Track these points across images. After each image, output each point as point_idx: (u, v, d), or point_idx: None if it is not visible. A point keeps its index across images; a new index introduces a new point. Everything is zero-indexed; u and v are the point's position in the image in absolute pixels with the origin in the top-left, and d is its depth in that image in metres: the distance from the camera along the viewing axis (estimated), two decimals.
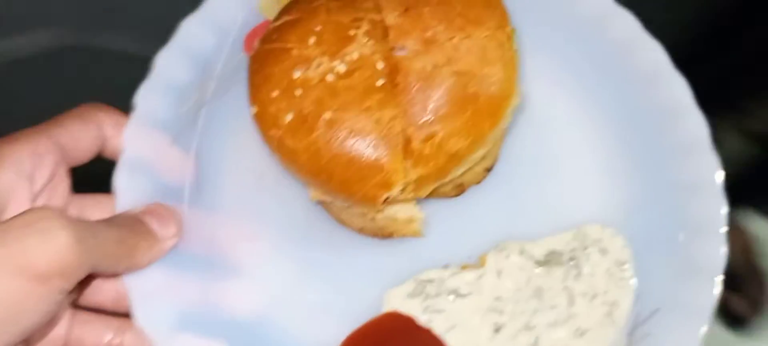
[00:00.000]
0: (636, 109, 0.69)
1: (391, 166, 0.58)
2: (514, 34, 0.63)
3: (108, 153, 0.67)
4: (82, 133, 0.64)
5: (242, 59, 0.72)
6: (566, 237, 0.67)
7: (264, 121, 0.60)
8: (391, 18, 0.61)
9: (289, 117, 0.59)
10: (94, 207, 0.65)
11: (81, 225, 0.54)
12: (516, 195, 0.70)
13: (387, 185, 0.59)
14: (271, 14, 0.73)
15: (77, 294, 0.64)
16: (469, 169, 0.65)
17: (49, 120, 0.63)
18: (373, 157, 0.58)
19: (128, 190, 0.65)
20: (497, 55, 0.61)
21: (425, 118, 0.59)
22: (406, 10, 0.61)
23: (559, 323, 0.64)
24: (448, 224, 0.69)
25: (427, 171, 0.60)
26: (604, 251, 0.66)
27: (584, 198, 0.69)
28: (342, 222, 0.68)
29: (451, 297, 0.66)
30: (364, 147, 0.58)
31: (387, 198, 0.60)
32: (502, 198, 0.70)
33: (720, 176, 0.65)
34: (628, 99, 0.70)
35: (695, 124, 0.68)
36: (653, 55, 0.70)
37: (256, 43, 0.64)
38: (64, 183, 0.64)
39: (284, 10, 0.64)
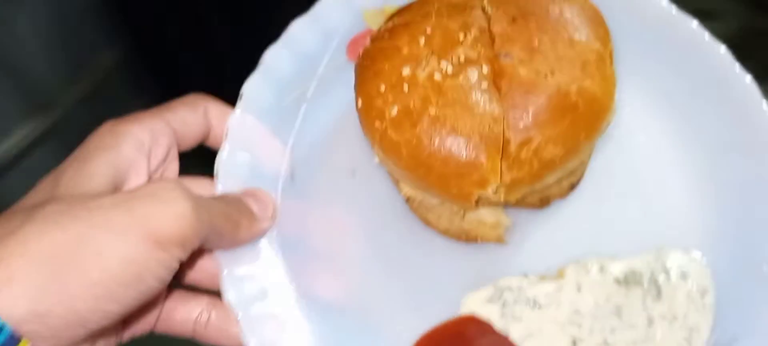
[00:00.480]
0: (726, 138, 0.70)
1: (488, 165, 0.60)
2: (613, 52, 0.65)
3: (211, 141, 0.70)
4: (191, 119, 0.67)
5: (344, 63, 0.76)
6: (647, 258, 0.68)
7: (369, 114, 0.63)
8: (498, 26, 0.64)
9: (394, 111, 0.62)
10: (197, 189, 0.69)
11: (198, 199, 0.57)
12: (598, 213, 0.71)
13: (482, 184, 0.61)
14: (375, 24, 0.77)
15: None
16: (557, 182, 0.67)
17: (162, 105, 0.67)
18: (473, 156, 0.60)
19: (229, 173, 0.68)
20: (598, 69, 0.63)
21: (524, 123, 0.61)
22: (514, 19, 0.64)
23: (637, 343, 0.64)
24: (531, 234, 0.70)
25: (521, 175, 0.62)
26: (684, 276, 0.67)
27: (667, 220, 0.70)
28: (428, 222, 0.70)
29: (530, 306, 0.67)
30: (465, 145, 0.60)
31: (480, 197, 0.62)
32: (585, 214, 0.71)
33: None
34: (720, 127, 0.71)
35: None
36: (747, 87, 0.71)
37: (367, 42, 0.68)
38: (174, 163, 0.68)
39: (396, 14, 0.68)
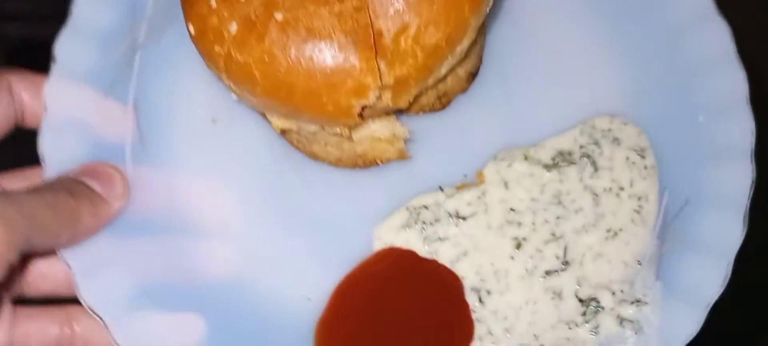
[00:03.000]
0: None
1: (362, 66, 0.49)
2: None
3: (28, 122, 0.57)
4: None
5: None
6: (573, 134, 0.59)
7: (205, 39, 0.51)
8: None
9: (233, 27, 0.49)
10: (14, 183, 0.55)
11: (6, 198, 0.45)
12: (507, 100, 0.61)
13: (361, 91, 0.49)
14: None
15: (15, 287, 0.54)
16: (451, 72, 0.56)
17: None
18: (341, 59, 0.49)
19: (57, 154, 0.56)
20: None
21: (395, 7, 0.49)
22: None
23: (588, 226, 0.55)
24: (436, 141, 0.60)
25: (405, 71, 0.51)
26: (617, 141, 0.58)
27: (584, 91, 0.61)
28: (314, 156, 0.58)
29: (454, 221, 0.57)
30: (328, 48, 0.48)
31: (363, 108, 0.50)
32: (492, 105, 0.61)
33: (733, 44, 0.57)
34: None
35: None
36: None
37: None
38: None
39: None
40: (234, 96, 0.55)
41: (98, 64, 0.59)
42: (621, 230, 0.55)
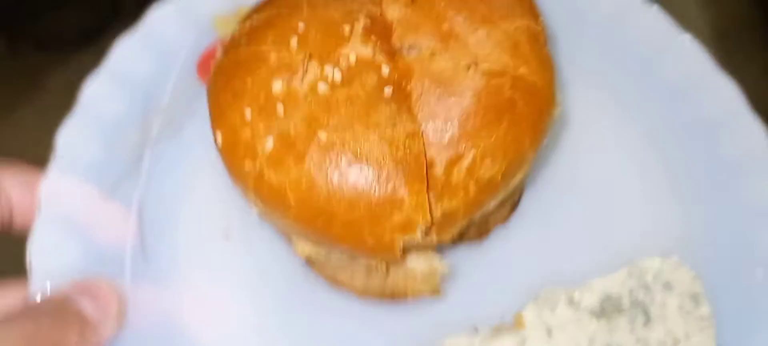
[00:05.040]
0: (684, 120, 0.57)
1: (412, 200, 0.43)
2: (546, 28, 0.50)
3: (18, 224, 0.50)
4: None
5: (197, 87, 0.57)
6: (620, 276, 0.54)
7: (235, 152, 0.45)
8: (393, 10, 0.47)
9: (269, 143, 0.44)
10: (2, 297, 0.48)
11: None
12: (548, 234, 0.56)
13: (407, 227, 0.44)
14: (228, 31, 0.58)
15: None
16: (498, 205, 0.51)
17: None
18: (389, 190, 0.43)
19: (47, 265, 0.48)
20: (533, 51, 0.48)
21: (450, 136, 0.45)
22: None
23: None
24: (472, 276, 0.54)
25: (454, 205, 0.45)
26: (668, 286, 0.53)
27: (634, 228, 0.56)
28: (338, 283, 0.52)
29: None
30: (376, 176, 0.43)
31: (406, 244, 0.45)
32: (533, 237, 0.56)
33: None
34: (674, 109, 0.58)
35: (750, 136, 0.55)
36: (695, 56, 0.58)
37: (218, 54, 0.49)
38: None
39: (254, 10, 0.50)
40: (255, 213, 0.49)
41: (103, 159, 0.53)
42: None
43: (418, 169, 0.43)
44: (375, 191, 0.43)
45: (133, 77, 0.55)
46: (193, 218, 0.54)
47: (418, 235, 0.44)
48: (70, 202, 0.50)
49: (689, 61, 0.58)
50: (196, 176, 0.55)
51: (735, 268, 0.53)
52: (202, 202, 0.54)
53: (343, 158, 0.43)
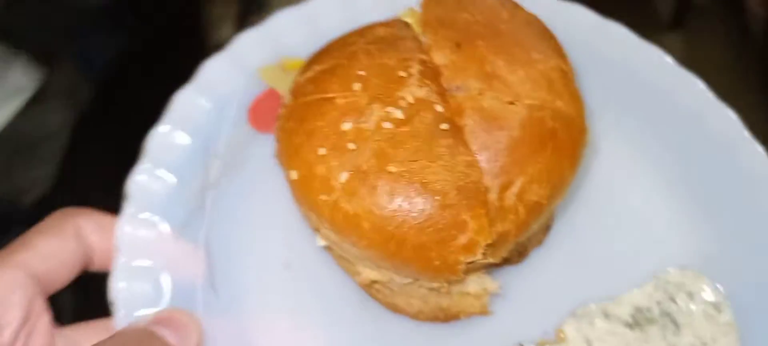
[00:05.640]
0: (694, 144, 0.63)
1: (474, 224, 0.48)
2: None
3: (97, 265, 0.53)
4: (58, 251, 0.50)
5: (248, 133, 0.62)
6: (647, 290, 0.59)
7: (310, 186, 0.49)
8: (440, 56, 0.53)
9: (344, 176, 0.48)
10: (90, 336, 0.51)
11: None
12: (580, 253, 0.61)
13: (471, 249, 0.48)
14: (275, 82, 0.63)
15: None
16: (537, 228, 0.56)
17: (11, 242, 0.50)
18: (453, 215, 0.48)
19: (129, 301, 0.52)
20: (566, 87, 0.54)
21: (501, 164, 0.50)
22: (458, 45, 0.53)
23: None
24: (514, 296, 0.59)
25: (507, 227, 0.50)
26: (691, 296, 0.58)
27: (657, 244, 0.61)
28: (395, 308, 0.56)
29: None
30: (441, 204, 0.48)
31: (467, 265, 0.49)
32: (567, 258, 0.61)
33: None
34: (684, 134, 0.64)
35: (759, 155, 0.62)
36: (698, 90, 0.65)
37: (285, 100, 0.54)
38: (43, 319, 0.50)
39: (313, 61, 0.55)
40: (320, 242, 0.53)
41: (172, 202, 0.56)
42: None
43: (478, 195, 0.48)
44: (442, 216, 0.48)
45: (191, 125, 0.59)
46: (254, 250, 0.57)
47: (479, 255, 0.49)
48: (145, 242, 0.54)
49: (696, 96, 0.65)
50: (254, 214, 0.59)
51: (755, 281, 0.59)
52: (262, 236, 0.58)
53: (412, 188, 0.48)
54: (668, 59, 0.66)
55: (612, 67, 0.65)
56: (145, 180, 0.56)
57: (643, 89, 0.65)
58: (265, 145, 0.60)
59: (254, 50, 0.64)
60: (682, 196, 0.62)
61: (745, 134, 0.63)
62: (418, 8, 0.56)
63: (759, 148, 0.62)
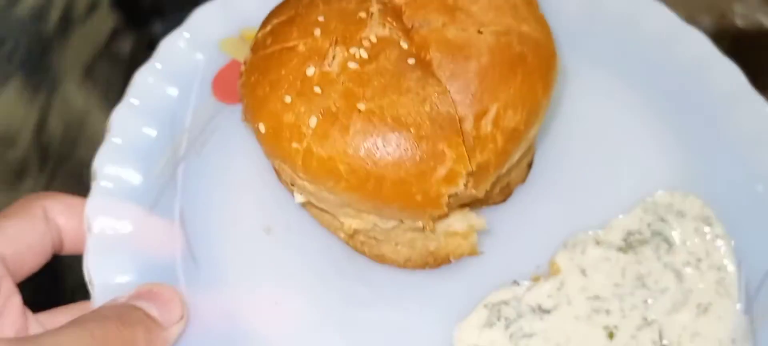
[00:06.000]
0: (667, 69, 0.62)
1: (452, 153, 0.47)
2: None
3: (67, 248, 0.51)
4: (25, 233, 0.49)
5: (214, 105, 0.60)
6: (637, 213, 0.58)
7: (280, 136, 0.48)
8: None
9: (313, 121, 0.47)
10: (67, 319, 0.49)
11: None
12: (567, 185, 0.60)
13: (452, 179, 0.47)
14: (236, 52, 0.62)
15: None
16: (517, 162, 0.55)
17: None
18: (430, 147, 0.46)
19: (106, 280, 0.50)
20: (530, 12, 0.52)
21: (473, 92, 0.48)
22: None
23: (678, 305, 0.53)
24: (503, 234, 0.57)
25: (486, 157, 0.49)
26: (681, 214, 0.57)
27: (640, 170, 0.60)
28: (382, 258, 0.55)
29: (538, 315, 0.53)
30: (416, 136, 0.46)
31: (450, 198, 0.48)
32: (554, 191, 0.59)
33: None
34: (655, 58, 0.63)
35: (729, 72, 0.61)
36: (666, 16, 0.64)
37: (246, 56, 0.52)
38: (13, 301, 0.48)
39: (271, 15, 0.53)
40: (298, 199, 0.52)
41: (140, 180, 0.55)
42: (710, 304, 0.53)
43: (452, 124, 0.47)
44: (418, 148, 0.46)
45: (155, 104, 0.58)
46: (232, 218, 0.56)
47: (461, 185, 0.47)
48: (117, 220, 0.52)
49: (663, 20, 0.64)
50: (228, 181, 0.57)
51: (737, 191, 0.58)
52: (238, 202, 0.56)
53: (385, 123, 0.46)
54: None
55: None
56: (111, 161, 0.54)
57: (611, 16, 0.64)
58: (232, 115, 0.59)
59: (213, 23, 0.62)
60: (660, 119, 0.62)
61: (716, 52, 0.62)
62: None
63: (730, 64, 0.61)
